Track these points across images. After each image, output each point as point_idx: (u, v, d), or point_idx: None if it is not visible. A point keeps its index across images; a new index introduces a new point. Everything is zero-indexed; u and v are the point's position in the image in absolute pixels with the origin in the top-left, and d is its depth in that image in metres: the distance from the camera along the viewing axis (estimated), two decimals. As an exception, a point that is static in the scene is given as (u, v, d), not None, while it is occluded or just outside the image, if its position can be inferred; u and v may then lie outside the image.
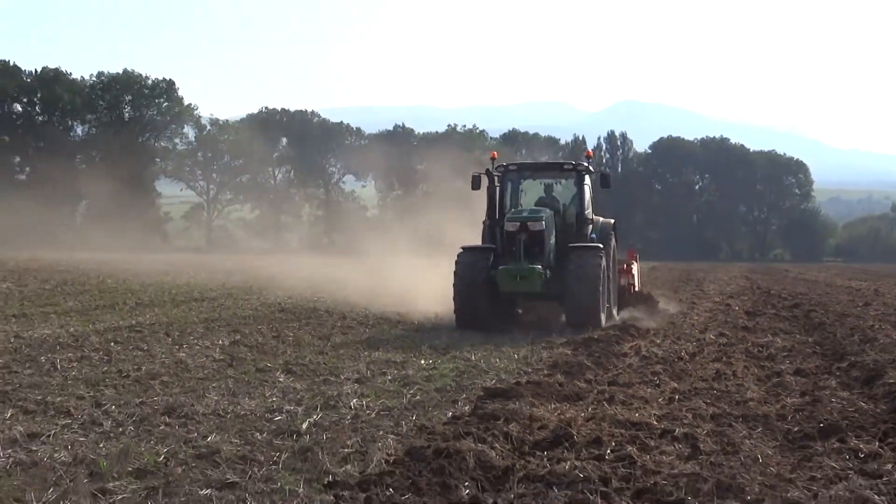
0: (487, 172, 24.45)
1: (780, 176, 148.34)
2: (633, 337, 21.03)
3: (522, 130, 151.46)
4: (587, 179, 25.16)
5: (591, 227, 24.93)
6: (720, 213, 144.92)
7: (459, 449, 9.21)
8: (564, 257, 23.52)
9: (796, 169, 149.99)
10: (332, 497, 7.97)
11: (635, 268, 29.42)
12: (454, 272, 23.06)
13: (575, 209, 25.08)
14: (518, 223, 22.63)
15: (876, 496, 7.83)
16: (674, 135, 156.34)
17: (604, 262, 22.88)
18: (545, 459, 9.33)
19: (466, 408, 12.07)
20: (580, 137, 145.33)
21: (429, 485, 8.21)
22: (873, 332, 21.96)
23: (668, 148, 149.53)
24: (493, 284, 23.41)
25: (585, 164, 24.62)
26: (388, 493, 7.85)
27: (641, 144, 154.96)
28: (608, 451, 9.59)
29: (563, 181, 26.02)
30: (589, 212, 25.16)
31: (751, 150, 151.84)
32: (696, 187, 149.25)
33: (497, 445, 9.70)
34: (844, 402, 12.49)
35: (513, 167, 25.66)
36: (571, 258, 22.70)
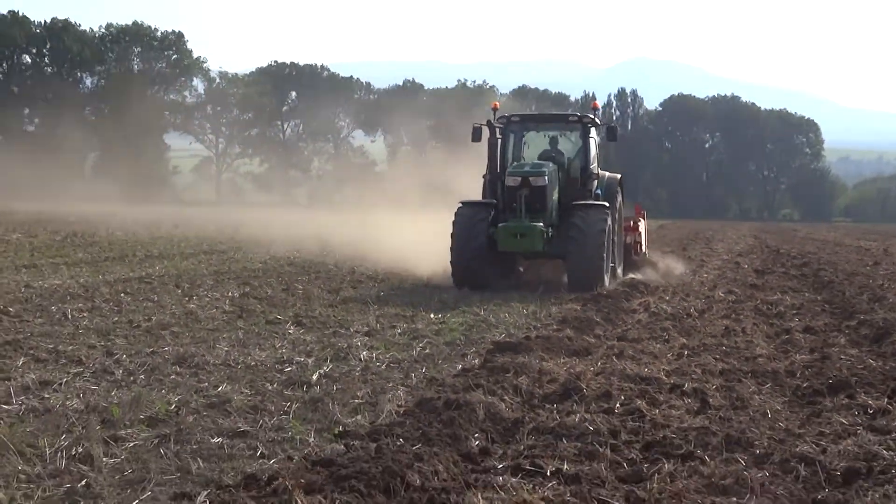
0: (488, 123, 22.48)
1: (790, 135, 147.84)
2: (641, 293, 21.18)
3: (532, 87, 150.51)
4: (593, 132, 23.18)
5: (596, 182, 23.04)
6: (730, 171, 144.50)
7: (469, 401, 9.29)
8: (568, 215, 21.85)
9: (807, 128, 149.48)
10: (342, 446, 8.05)
11: (642, 226, 27.03)
12: (452, 228, 21.33)
13: (580, 163, 23.11)
14: (519, 178, 20.85)
15: (885, 451, 7.87)
16: (684, 93, 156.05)
17: (609, 222, 21.03)
18: (554, 412, 9.38)
19: (476, 361, 12.15)
20: (590, 94, 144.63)
21: (439, 435, 8.25)
22: (882, 291, 22.06)
23: (679, 106, 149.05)
24: (493, 242, 22.03)
25: (591, 116, 22.71)
26: (398, 444, 7.88)
27: (652, 102, 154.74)
28: (617, 405, 9.65)
29: (569, 134, 23.93)
30: (595, 166, 23.26)
31: (762, 109, 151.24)
32: (707, 146, 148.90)
33: (507, 398, 9.79)
34: (853, 359, 12.50)
35: (515, 118, 23.53)
36: (575, 217, 20.82)
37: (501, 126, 22.56)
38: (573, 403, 9.72)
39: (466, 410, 9.02)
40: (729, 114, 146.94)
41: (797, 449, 8.00)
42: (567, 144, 23.26)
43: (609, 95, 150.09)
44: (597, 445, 8.12)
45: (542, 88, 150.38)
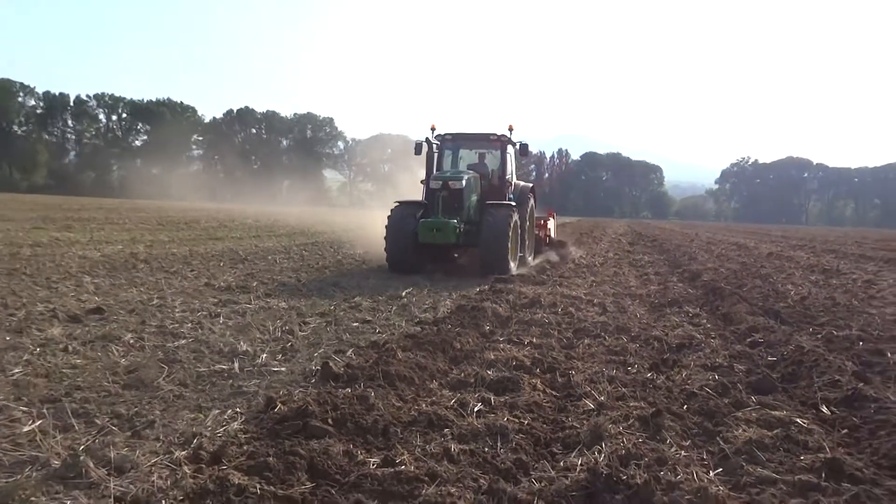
0: (427, 140, 16.81)
1: (647, 173, 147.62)
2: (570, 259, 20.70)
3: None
4: (509, 149, 17.30)
5: (511, 188, 17.18)
6: (615, 191, 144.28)
7: (483, 306, 9.36)
8: (483, 212, 15.83)
9: (655, 170, 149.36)
10: (419, 328, 8.10)
11: (551, 223, 21.32)
12: (386, 223, 15.34)
13: (499, 173, 17.14)
14: (441, 182, 15.32)
15: (697, 334, 7.96)
16: (592, 151, 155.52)
17: (515, 218, 15.32)
18: (528, 312, 9.42)
19: (486, 286, 12.12)
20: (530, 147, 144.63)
21: (468, 323, 8.35)
22: (694, 254, 21.87)
23: (590, 157, 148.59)
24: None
25: (508, 136, 17.08)
26: (448, 327, 7.99)
27: (575, 155, 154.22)
28: (559, 310, 9.69)
29: (494, 152, 17.49)
30: (511, 177, 17.35)
31: (632, 159, 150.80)
32: (603, 178, 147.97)
33: (502, 305, 9.84)
34: (680, 288, 12.52)
35: (448, 136, 17.32)
36: (487, 214, 15.27)
37: (438, 143, 17.08)
38: (537, 308, 9.76)
39: (482, 311, 9.09)
40: (615, 162, 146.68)
41: (653, 333, 8.08)
42: (492, 160, 17.56)
43: (553, 152, 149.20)
44: (549, 329, 8.21)
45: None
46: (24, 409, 4.67)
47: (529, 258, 17.41)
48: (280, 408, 4.81)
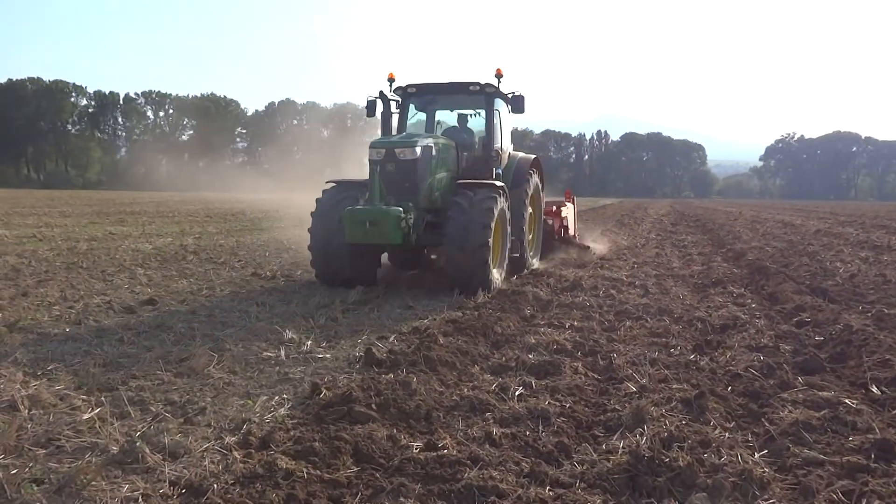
0: (381, 96, 11.25)
1: (689, 152, 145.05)
2: (609, 238, 20.41)
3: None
4: (499, 105, 11.46)
5: (500, 160, 11.46)
6: (656, 172, 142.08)
7: (524, 290, 9.34)
8: (452, 195, 10.22)
9: (697, 148, 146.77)
10: (460, 313, 8.08)
11: (568, 210, 15.25)
12: (313, 212, 10.14)
13: (484, 140, 11.35)
14: (383, 150, 9.79)
15: (742, 315, 7.82)
16: (632, 132, 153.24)
17: (502, 204, 10.01)
18: (568, 295, 9.35)
19: (526, 272, 12.01)
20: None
21: (509, 307, 8.35)
22: (739, 233, 21.41)
23: (630, 138, 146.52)
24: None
25: (495, 85, 11.12)
26: (489, 311, 7.99)
27: (615, 137, 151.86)
28: (601, 292, 9.60)
29: (483, 113, 11.49)
30: (501, 144, 11.57)
31: (673, 139, 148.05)
32: (644, 159, 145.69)
33: (543, 289, 9.78)
34: (724, 268, 12.28)
35: (411, 88, 11.49)
36: (457, 199, 9.75)
37: (398, 99, 11.53)
38: (578, 291, 9.68)
39: (523, 294, 9.09)
40: (656, 142, 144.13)
41: (696, 314, 7.96)
42: (480, 123, 11.66)
43: (592, 133, 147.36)
44: (591, 312, 8.15)
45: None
46: (84, 397, 4.83)
47: (534, 260, 12.54)
48: (325, 394, 4.89)
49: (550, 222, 14.22)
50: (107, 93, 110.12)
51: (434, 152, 10.21)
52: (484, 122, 11.35)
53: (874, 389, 5.00)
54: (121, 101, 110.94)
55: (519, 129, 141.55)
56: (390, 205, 9.41)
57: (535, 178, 12.42)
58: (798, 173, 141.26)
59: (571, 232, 15.50)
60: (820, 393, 4.86)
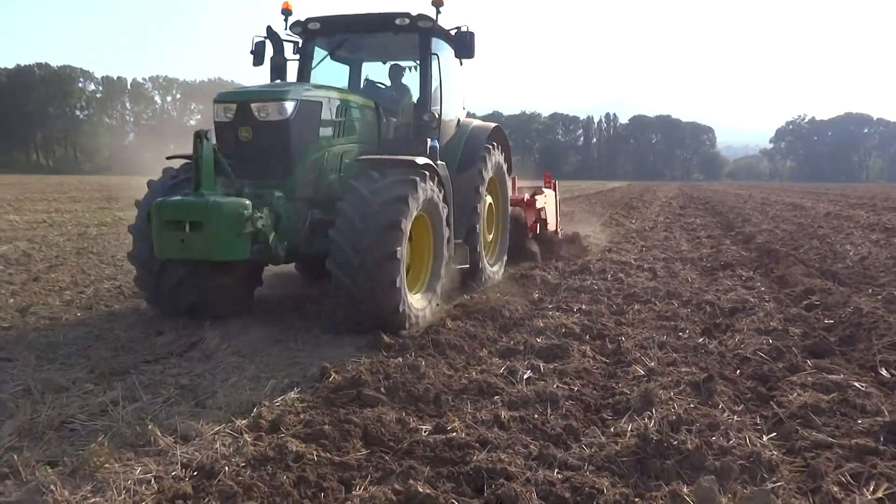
0: (271, 34, 7.53)
1: (698, 134, 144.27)
2: (617, 222, 20.40)
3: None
4: (438, 46, 7.84)
5: (436, 125, 7.75)
6: (665, 154, 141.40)
7: (532, 274, 9.34)
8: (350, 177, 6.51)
9: (706, 130, 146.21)
10: (469, 297, 7.98)
11: (548, 198, 11.75)
12: (138, 201, 6.55)
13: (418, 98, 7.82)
14: (234, 107, 6.09)
15: (751, 298, 7.78)
16: (641, 114, 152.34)
17: (425, 194, 6.43)
18: (577, 279, 9.31)
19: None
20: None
21: (517, 291, 8.37)
22: (748, 215, 21.26)
23: (638, 120, 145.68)
24: None
25: (433, 20, 7.39)
26: (497, 295, 8.00)
27: (623, 119, 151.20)
28: (609, 276, 9.54)
29: (412, 59, 8.07)
30: (441, 106, 7.92)
31: (682, 121, 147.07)
32: (653, 141, 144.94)
33: (551, 272, 9.77)
34: (733, 251, 12.21)
35: (314, 24, 7.60)
36: (352, 184, 6.18)
37: (298, 38, 7.96)
38: (586, 275, 9.63)
39: (531, 279, 9.08)
40: (665, 124, 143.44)
41: (705, 297, 7.92)
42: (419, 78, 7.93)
43: (601, 116, 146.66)
44: (599, 295, 8.13)
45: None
46: (97, 381, 4.88)
47: (495, 268, 9.23)
48: (334, 378, 4.92)
49: (521, 214, 10.74)
50: (115, 78, 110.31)
51: (327, 112, 6.60)
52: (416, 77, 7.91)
53: (883, 372, 4.99)
54: (128, 87, 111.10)
55: (526, 112, 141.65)
56: (230, 195, 5.80)
57: (497, 156, 8.99)
58: (809, 155, 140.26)
59: (552, 227, 11.70)
60: (829, 376, 4.84)
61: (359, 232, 5.91)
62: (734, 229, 16.59)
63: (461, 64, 8.53)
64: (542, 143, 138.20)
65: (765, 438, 3.90)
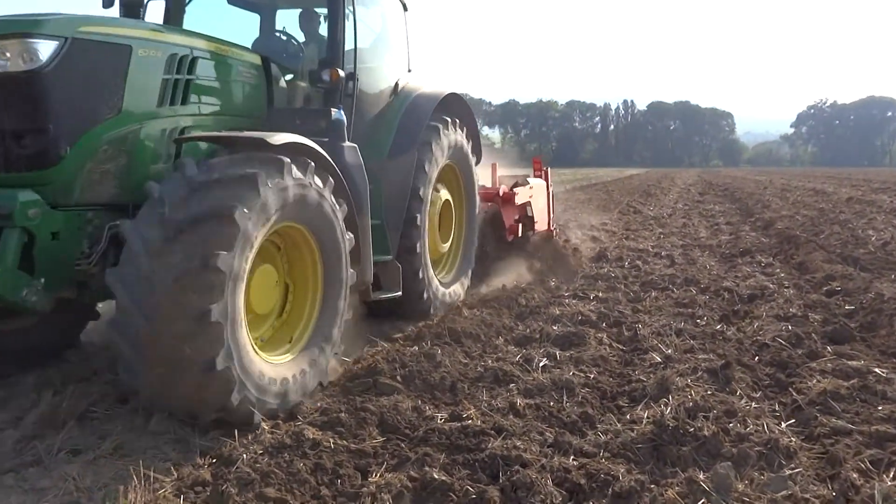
0: None
1: (717, 120, 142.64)
2: (634, 209, 20.24)
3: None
4: None
5: (350, 91, 5.32)
6: (684, 140, 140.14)
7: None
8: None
9: (726, 116, 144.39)
10: (486, 288, 8.04)
11: (536, 191, 8.76)
12: None
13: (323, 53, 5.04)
14: None
15: (770, 284, 7.71)
16: (660, 100, 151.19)
17: (273, 200, 3.62)
18: (594, 267, 9.27)
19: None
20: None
21: (534, 279, 8.26)
22: (768, 201, 20.97)
23: (656, 106, 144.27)
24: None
25: None
26: (514, 284, 7.90)
27: (642, 106, 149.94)
28: (626, 263, 9.49)
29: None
30: (355, 62, 5.37)
31: (701, 106, 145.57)
32: (671, 127, 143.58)
33: (570, 259, 9.65)
34: (752, 237, 12.10)
35: None
36: (154, 185, 3.56)
37: None
38: (603, 262, 9.59)
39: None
40: (683, 110, 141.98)
41: (723, 284, 7.86)
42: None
43: (618, 103, 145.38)
44: (616, 283, 8.07)
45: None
46: (117, 372, 4.94)
47: (452, 288, 7.05)
48: (350, 366, 4.94)
49: (502, 215, 8.29)
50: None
51: (143, 65, 4.11)
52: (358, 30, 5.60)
53: (905, 358, 4.92)
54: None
55: (543, 100, 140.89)
56: None
57: (455, 134, 6.72)
58: (830, 140, 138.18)
59: (543, 226, 9.23)
60: (849, 362, 4.79)
61: (146, 278, 3.46)
62: (754, 215, 16.40)
63: (405, 9, 6.59)
64: (560, 131, 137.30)
65: (783, 425, 3.86)
